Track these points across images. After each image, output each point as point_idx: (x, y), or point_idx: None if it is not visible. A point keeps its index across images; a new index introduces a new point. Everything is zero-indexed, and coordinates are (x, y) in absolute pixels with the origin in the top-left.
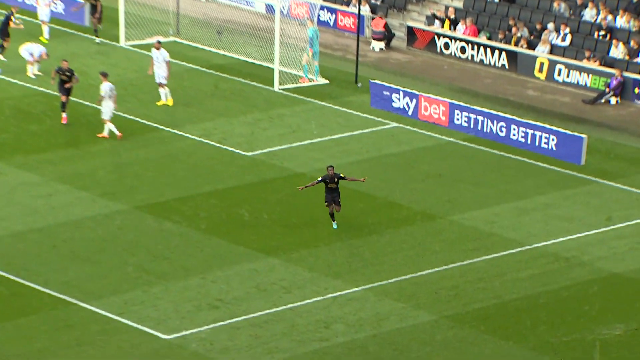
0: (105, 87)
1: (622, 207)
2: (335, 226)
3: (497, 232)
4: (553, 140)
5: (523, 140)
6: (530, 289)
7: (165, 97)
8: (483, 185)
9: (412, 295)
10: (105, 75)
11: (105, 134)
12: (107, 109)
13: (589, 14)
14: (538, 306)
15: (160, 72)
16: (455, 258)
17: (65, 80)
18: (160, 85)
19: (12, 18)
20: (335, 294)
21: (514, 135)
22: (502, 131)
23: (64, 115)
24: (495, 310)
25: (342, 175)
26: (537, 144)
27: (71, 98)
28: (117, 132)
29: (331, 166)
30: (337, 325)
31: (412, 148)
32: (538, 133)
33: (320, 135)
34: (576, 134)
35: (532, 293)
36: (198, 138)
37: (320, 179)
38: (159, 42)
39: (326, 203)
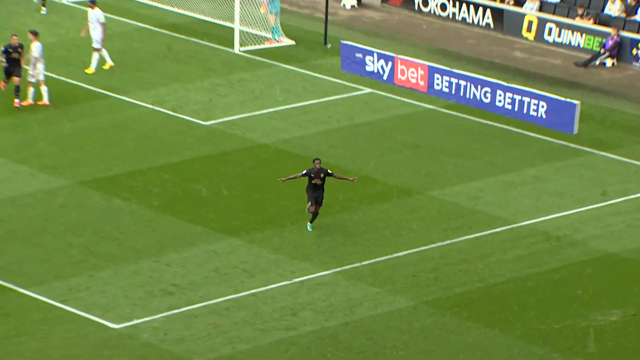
0: (38, 47)
1: (618, 180)
2: (310, 228)
3: (481, 209)
4: (543, 107)
5: (510, 107)
6: (518, 271)
7: (94, 63)
8: (466, 157)
9: (388, 279)
10: (35, 34)
11: (45, 100)
12: (40, 70)
13: None
14: (526, 290)
15: (94, 35)
16: (435, 238)
17: (17, 58)
18: (95, 50)
19: None
20: (302, 278)
21: (499, 101)
22: (486, 97)
23: (17, 101)
24: (479, 295)
25: (329, 171)
26: (525, 111)
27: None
28: (44, 99)
29: (318, 159)
30: (305, 312)
31: (387, 116)
32: (526, 99)
33: (285, 102)
34: (568, 99)
35: (519, 276)
36: (150, 106)
37: (304, 172)
38: (92, 2)
39: (308, 203)
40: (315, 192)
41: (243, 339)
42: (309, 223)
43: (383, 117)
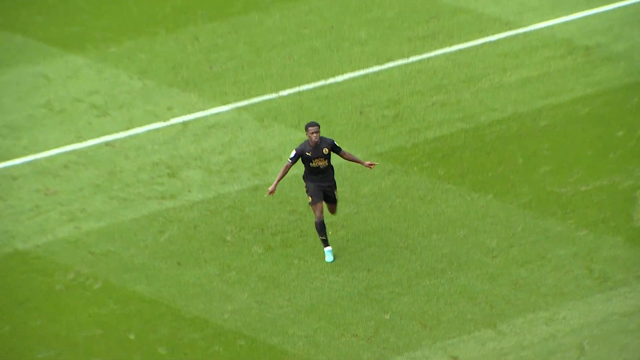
0: None
1: None
2: (330, 258)
3: (468, 6)
4: None
5: None
6: (525, 102)
7: None
8: None
9: (321, 118)
10: None
11: None
12: None
13: None
14: (537, 132)
15: None
16: (393, 52)
17: None
18: None
19: None
20: (186, 118)
21: None
22: None
23: None
24: (463, 142)
25: (337, 144)
26: None
27: None
28: None
29: (314, 124)
30: (190, 171)
31: None
32: None
33: None
34: None
35: (527, 110)
36: None
37: (293, 154)
38: None
39: (309, 199)
40: (321, 180)
41: (92, 213)
42: (325, 248)
43: None
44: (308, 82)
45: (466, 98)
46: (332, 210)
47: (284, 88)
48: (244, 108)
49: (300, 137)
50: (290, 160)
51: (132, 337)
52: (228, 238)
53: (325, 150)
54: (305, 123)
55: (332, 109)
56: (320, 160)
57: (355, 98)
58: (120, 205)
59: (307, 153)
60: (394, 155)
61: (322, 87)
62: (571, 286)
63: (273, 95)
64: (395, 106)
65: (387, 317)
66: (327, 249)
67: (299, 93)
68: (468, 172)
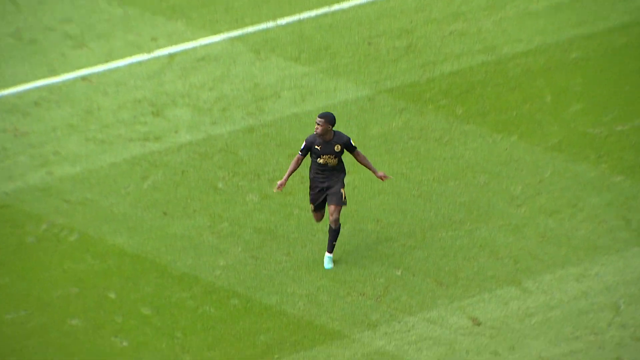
0: None
1: None
2: (328, 265)
3: None
4: None
5: None
6: (554, 32)
7: None
8: None
9: (324, 50)
10: None
11: None
12: None
13: None
14: (568, 65)
15: None
16: None
17: None
18: None
19: None
20: (172, 49)
21: None
22: None
23: None
24: (484, 76)
25: (353, 143)
26: None
27: None
28: None
29: (323, 115)
30: (177, 110)
31: None
32: None
33: None
34: None
35: (556, 40)
36: None
37: (303, 145)
38: None
39: (310, 198)
40: (323, 179)
41: (66, 157)
42: (326, 254)
43: None
44: (310, 9)
45: (487, 27)
46: (332, 214)
47: (283, 16)
48: (238, 38)
49: (301, 71)
50: (300, 153)
51: (112, 295)
52: (220, 185)
53: (338, 148)
54: (304, 52)
55: (337, 39)
56: (330, 158)
57: (362, 27)
58: (98, 148)
59: (316, 146)
60: (407, 91)
61: (325, 14)
62: (605, 239)
63: (270, 24)
64: (407, 36)
65: (399, 273)
66: (328, 258)
67: (300, 22)
68: (490, 110)
